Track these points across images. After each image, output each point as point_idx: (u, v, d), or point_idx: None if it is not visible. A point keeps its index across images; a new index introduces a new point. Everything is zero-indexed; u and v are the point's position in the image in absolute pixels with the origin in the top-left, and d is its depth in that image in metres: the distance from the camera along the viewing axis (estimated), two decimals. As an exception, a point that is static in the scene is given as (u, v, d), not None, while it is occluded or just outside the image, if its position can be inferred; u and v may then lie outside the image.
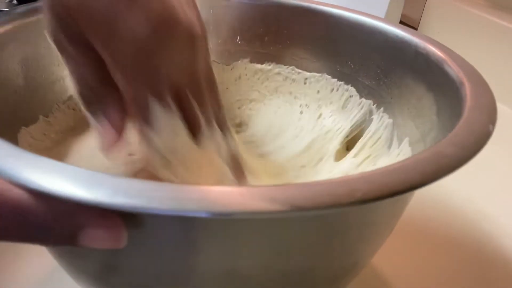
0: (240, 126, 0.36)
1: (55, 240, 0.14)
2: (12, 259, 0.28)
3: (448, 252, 0.31)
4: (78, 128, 0.29)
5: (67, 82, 0.30)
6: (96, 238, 0.13)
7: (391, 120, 0.29)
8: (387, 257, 0.30)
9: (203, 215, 0.12)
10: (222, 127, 0.24)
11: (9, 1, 0.48)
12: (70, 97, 0.30)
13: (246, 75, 0.37)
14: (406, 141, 0.27)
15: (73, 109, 0.30)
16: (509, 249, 0.32)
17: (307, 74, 0.35)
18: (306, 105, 0.35)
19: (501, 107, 0.50)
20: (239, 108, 0.37)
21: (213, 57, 0.37)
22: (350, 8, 0.32)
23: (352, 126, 0.32)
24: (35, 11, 0.27)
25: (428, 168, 0.15)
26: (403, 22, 0.63)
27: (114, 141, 0.21)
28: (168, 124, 0.20)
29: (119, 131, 0.21)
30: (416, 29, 0.63)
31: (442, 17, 0.61)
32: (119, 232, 0.14)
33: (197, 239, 0.15)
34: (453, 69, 0.23)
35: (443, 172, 0.15)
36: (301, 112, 0.35)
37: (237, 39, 0.36)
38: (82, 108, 0.22)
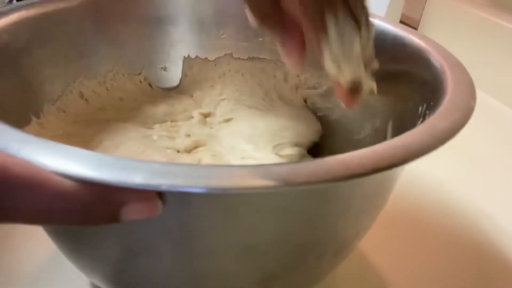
0: (228, 121, 0.36)
1: (97, 221, 0.14)
2: (10, 246, 0.29)
3: (446, 249, 0.32)
4: (75, 134, 0.29)
5: (55, 83, 0.30)
6: (136, 212, 0.14)
7: (374, 107, 0.31)
8: (385, 256, 0.31)
9: (202, 190, 0.13)
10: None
11: (9, 1, 0.47)
12: (59, 98, 0.30)
13: (230, 70, 0.37)
14: (389, 125, 0.28)
15: (64, 112, 0.30)
16: (507, 247, 0.32)
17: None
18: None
19: (501, 107, 0.50)
20: (233, 107, 0.37)
21: (196, 52, 0.37)
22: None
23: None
24: (29, 7, 0.27)
25: (425, 139, 0.16)
26: (403, 22, 0.63)
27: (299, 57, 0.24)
28: (344, 32, 0.21)
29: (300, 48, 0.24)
30: (416, 29, 0.64)
31: (442, 17, 0.62)
32: (155, 202, 0.14)
33: (216, 216, 0.16)
34: (434, 57, 0.25)
35: (435, 145, 0.16)
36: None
37: (220, 33, 0.36)
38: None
